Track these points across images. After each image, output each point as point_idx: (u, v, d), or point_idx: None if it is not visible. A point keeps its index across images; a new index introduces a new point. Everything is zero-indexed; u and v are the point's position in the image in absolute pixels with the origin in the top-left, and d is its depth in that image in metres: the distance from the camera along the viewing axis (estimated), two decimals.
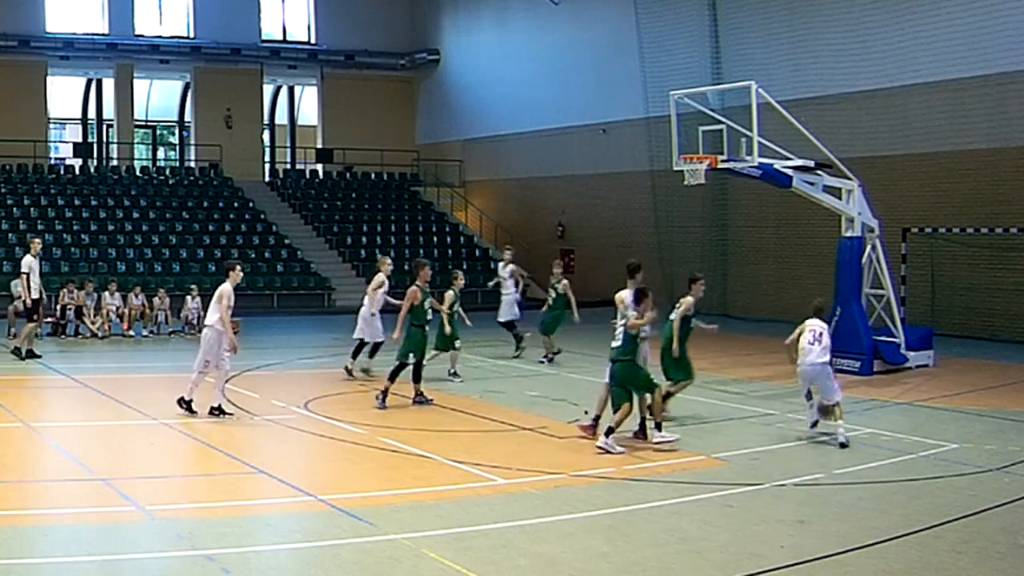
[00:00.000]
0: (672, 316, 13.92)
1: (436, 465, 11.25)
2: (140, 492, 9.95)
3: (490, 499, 9.95)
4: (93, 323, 23.52)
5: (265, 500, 10.08)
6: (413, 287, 15.21)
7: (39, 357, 19.59)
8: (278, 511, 9.68)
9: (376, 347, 17.76)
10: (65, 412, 15.52)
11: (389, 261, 18.67)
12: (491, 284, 21.92)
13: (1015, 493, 10.15)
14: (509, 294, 20.89)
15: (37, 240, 21.23)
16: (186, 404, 13.83)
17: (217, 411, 13.76)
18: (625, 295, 12.73)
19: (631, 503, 9.76)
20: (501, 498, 9.97)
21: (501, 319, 21.03)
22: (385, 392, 14.77)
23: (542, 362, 19.80)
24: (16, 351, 19.67)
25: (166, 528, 8.79)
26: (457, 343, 17.54)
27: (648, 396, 12.47)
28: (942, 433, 13.12)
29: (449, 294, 17.64)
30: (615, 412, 12.11)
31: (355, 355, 17.84)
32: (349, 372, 17.74)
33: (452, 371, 17.67)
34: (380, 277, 17.89)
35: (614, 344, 12.30)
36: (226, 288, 13.87)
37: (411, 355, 15.08)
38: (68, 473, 11.00)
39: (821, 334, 12.71)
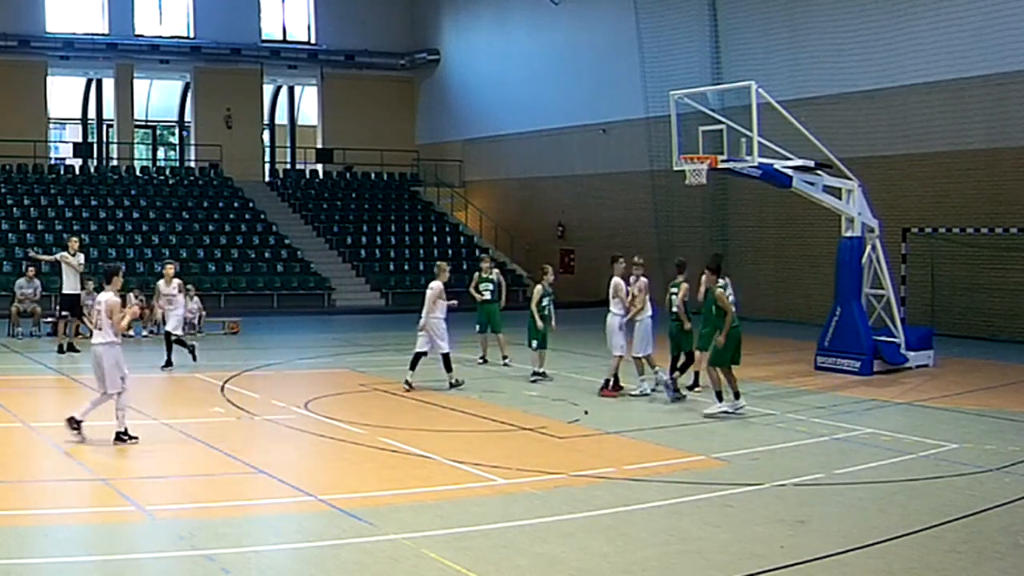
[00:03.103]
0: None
1: (436, 465, 11.24)
2: (140, 492, 9.95)
3: (490, 499, 9.93)
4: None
5: (265, 500, 10.06)
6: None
7: (77, 352, 20.35)
8: (278, 511, 9.66)
9: (446, 358, 16.24)
10: (65, 412, 15.44)
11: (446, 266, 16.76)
12: (159, 302, 20.25)
13: (1015, 493, 10.13)
14: (177, 308, 19.88)
15: (74, 239, 21.64)
16: (77, 424, 12.04)
17: (125, 436, 12.05)
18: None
19: (631, 503, 9.74)
20: (501, 498, 9.96)
21: (173, 331, 19.57)
22: (673, 383, 15.51)
23: (493, 364, 18.72)
24: (71, 347, 20.64)
25: (166, 528, 8.78)
26: (534, 343, 16.93)
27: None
28: (942, 433, 13.10)
29: (538, 289, 17.10)
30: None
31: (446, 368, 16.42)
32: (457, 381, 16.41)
33: (537, 371, 17.11)
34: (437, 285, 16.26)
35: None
36: (115, 300, 12.15)
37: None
38: (68, 473, 10.99)
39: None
